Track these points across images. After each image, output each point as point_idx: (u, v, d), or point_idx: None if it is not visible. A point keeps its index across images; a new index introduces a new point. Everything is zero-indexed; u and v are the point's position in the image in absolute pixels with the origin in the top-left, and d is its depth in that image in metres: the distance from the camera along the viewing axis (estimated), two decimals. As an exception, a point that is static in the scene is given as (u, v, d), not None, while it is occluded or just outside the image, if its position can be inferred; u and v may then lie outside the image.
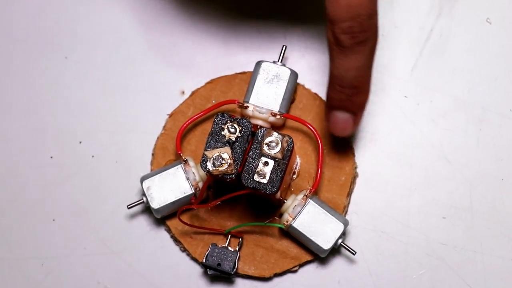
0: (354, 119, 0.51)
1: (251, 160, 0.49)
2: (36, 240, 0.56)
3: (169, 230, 0.56)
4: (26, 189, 0.57)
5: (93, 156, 0.57)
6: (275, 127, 0.55)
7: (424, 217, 0.56)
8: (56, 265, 0.56)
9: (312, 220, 0.52)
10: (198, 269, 0.56)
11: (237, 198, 0.51)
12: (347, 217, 0.55)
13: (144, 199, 0.54)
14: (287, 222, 0.53)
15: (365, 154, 0.57)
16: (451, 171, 0.56)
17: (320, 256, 0.54)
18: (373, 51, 0.49)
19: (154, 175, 0.54)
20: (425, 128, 0.57)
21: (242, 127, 0.50)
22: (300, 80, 0.56)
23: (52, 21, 0.59)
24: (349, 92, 0.49)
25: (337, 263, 0.55)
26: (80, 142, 0.58)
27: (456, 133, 0.57)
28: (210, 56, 0.58)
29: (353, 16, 0.46)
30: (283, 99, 0.54)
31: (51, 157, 0.58)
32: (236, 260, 0.53)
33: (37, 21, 0.60)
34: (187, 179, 0.53)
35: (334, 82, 0.49)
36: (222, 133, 0.50)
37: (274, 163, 0.49)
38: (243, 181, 0.49)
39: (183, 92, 0.58)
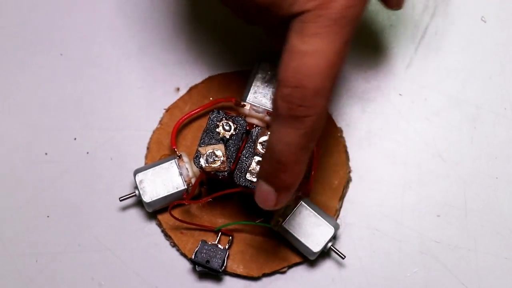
0: (277, 196, 0.45)
1: (244, 158, 0.49)
2: (30, 237, 0.56)
3: (160, 225, 0.56)
4: (21, 186, 0.57)
5: (88, 153, 0.57)
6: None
7: (418, 215, 0.56)
8: (50, 262, 0.56)
9: (303, 222, 0.52)
10: (187, 265, 0.56)
11: (229, 196, 0.52)
12: (338, 220, 0.55)
13: (137, 192, 0.54)
14: (278, 222, 0.53)
15: (359, 152, 0.57)
16: (445, 169, 0.56)
17: (309, 259, 0.54)
18: (313, 133, 0.43)
19: (147, 169, 0.54)
20: (419, 126, 0.57)
21: (237, 125, 0.50)
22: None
23: (46, 17, 0.59)
24: (275, 167, 0.44)
25: (327, 265, 0.55)
26: (75, 139, 0.58)
27: (450, 131, 0.57)
28: (205, 54, 0.58)
29: (297, 85, 0.41)
30: (280, 99, 0.54)
31: (46, 154, 0.58)
32: (225, 258, 0.54)
33: (32, 17, 0.60)
34: (180, 174, 0.53)
35: (266, 149, 0.45)
36: (217, 130, 0.50)
37: (267, 163, 0.49)
38: (235, 179, 0.49)
39: (178, 89, 0.58)
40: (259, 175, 0.46)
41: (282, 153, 0.43)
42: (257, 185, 0.46)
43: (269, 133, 0.43)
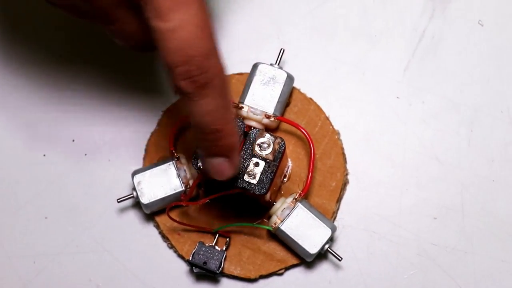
0: (229, 161, 0.47)
1: (242, 160, 0.49)
2: (28, 238, 0.57)
3: (157, 226, 0.56)
4: (19, 187, 0.57)
5: (86, 154, 0.58)
6: (268, 129, 0.55)
7: (416, 218, 0.56)
8: (48, 263, 0.56)
9: (300, 224, 0.52)
10: (184, 267, 0.56)
11: (226, 198, 0.52)
12: (336, 221, 0.56)
13: (134, 193, 0.54)
14: (275, 224, 0.53)
15: (356, 154, 0.57)
16: (442, 172, 0.57)
17: (306, 260, 0.54)
18: (224, 89, 0.45)
19: (145, 170, 0.54)
20: (417, 128, 0.57)
21: (235, 126, 0.50)
22: (296, 84, 0.57)
23: (45, 18, 0.60)
24: (212, 138, 0.46)
25: (324, 267, 0.55)
26: (73, 140, 0.58)
27: (447, 134, 0.57)
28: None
29: (187, 59, 0.43)
30: (278, 101, 0.54)
31: (44, 155, 0.58)
32: (223, 260, 0.54)
33: (31, 18, 0.60)
34: (178, 176, 0.54)
35: (195, 130, 0.47)
36: (215, 132, 0.50)
37: (265, 164, 0.49)
38: (233, 180, 0.49)
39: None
40: (204, 155, 0.48)
41: (211, 122, 0.45)
42: (207, 164, 0.48)
43: (190, 111, 0.45)
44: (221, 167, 0.48)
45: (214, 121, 0.45)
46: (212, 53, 0.44)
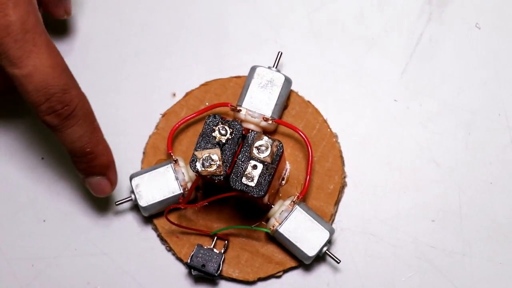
0: (107, 178, 0.53)
1: (240, 162, 0.49)
2: (26, 241, 0.56)
3: (156, 229, 0.56)
4: (17, 190, 0.57)
5: (84, 158, 0.58)
6: (266, 132, 0.55)
7: (413, 220, 0.56)
8: (46, 266, 0.56)
9: (298, 227, 0.53)
10: (183, 269, 0.56)
11: (225, 200, 0.52)
12: (334, 224, 0.56)
13: (133, 196, 0.54)
14: (273, 227, 0.53)
15: (354, 157, 0.57)
16: (440, 175, 0.57)
17: (304, 263, 0.54)
18: (87, 115, 0.50)
19: (143, 173, 0.54)
20: (414, 131, 0.57)
21: (233, 129, 0.50)
22: (293, 87, 0.57)
23: (44, 19, 0.60)
24: (86, 160, 0.51)
25: (322, 269, 0.55)
26: (72, 144, 0.58)
27: (445, 136, 0.57)
28: (201, 59, 0.59)
29: (47, 98, 0.47)
30: (275, 104, 0.54)
31: (42, 158, 0.58)
32: (221, 263, 0.54)
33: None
34: (176, 179, 0.54)
35: (70, 155, 0.51)
36: (213, 134, 0.50)
37: (263, 167, 0.49)
38: (231, 183, 0.49)
39: (174, 95, 0.58)
40: (83, 176, 0.53)
41: (83, 147, 0.50)
42: (87, 184, 0.53)
43: (61, 141, 0.50)
44: (99, 185, 0.53)
45: (84, 146, 0.50)
46: (69, 86, 0.48)
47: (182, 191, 0.53)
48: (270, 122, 0.54)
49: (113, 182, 0.53)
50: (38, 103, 0.47)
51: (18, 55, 0.46)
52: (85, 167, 0.52)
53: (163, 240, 0.56)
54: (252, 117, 0.54)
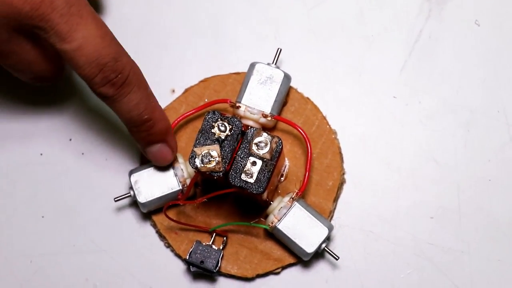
0: (168, 145, 0.52)
1: (240, 159, 0.49)
2: (25, 237, 0.56)
3: (154, 225, 0.56)
4: (16, 186, 0.57)
5: (83, 154, 0.58)
6: (266, 128, 0.55)
7: (412, 218, 0.56)
8: (44, 263, 0.56)
9: (297, 223, 0.53)
10: (181, 266, 0.56)
11: (224, 197, 0.52)
12: (333, 221, 0.56)
13: (132, 192, 0.54)
14: (272, 223, 0.53)
15: (353, 154, 0.57)
16: (439, 172, 0.57)
17: (303, 259, 0.54)
18: (141, 81, 0.50)
19: (142, 170, 0.54)
20: (413, 129, 0.57)
21: (232, 125, 0.50)
22: (293, 84, 0.57)
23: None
24: (145, 128, 0.50)
25: (321, 266, 0.55)
26: (70, 140, 0.58)
27: (444, 134, 0.57)
28: (200, 55, 0.59)
29: (100, 68, 0.47)
30: (275, 101, 0.54)
31: (41, 154, 0.58)
32: (220, 259, 0.54)
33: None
34: (175, 175, 0.54)
35: (127, 126, 0.51)
36: (212, 130, 0.50)
37: (262, 163, 0.49)
38: (230, 179, 0.49)
39: (173, 91, 0.58)
40: (142, 147, 0.52)
41: (141, 114, 0.50)
42: (148, 154, 0.52)
43: (117, 112, 0.50)
44: (161, 152, 0.52)
45: (142, 113, 0.49)
46: (120, 54, 0.48)
47: (181, 188, 0.53)
48: (269, 118, 0.54)
49: (173, 148, 0.53)
50: (92, 75, 0.47)
51: (66, 30, 0.46)
52: (144, 135, 0.51)
53: (161, 236, 0.56)
54: (251, 113, 0.54)
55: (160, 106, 0.51)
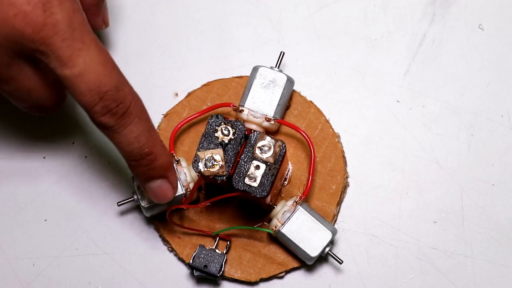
0: (168, 181, 0.50)
1: (243, 163, 0.49)
2: (28, 240, 0.56)
3: (158, 230, 0.56)
4: (19, 189, 0.57)
5: (86, 157, 0.58)
6: (269, 132, 0.55)
7: (415, 222, 0.56)
8: (47, 266, 0.56)
9: (300, 227, 0.52)
10: (185, 270, 0.56)
11: (227, 201, 0.52)
12: (336, 225, 0.56)
13: (135, 197, 0.54)
14: (275, 227, 0.53)
15: (356, 158, 0.57)
16: (442, 176, 0.57)
17: (306, 263, 0.54)
18: (143, 113, 0.47)
19: (146, 174, 0.54)
20: (417, 132, 0.57)
21: (235, 129, 0.50)
22: (296, 87, 0.57)
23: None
24: (145, 163, 0.48)
25: (324, 270, 0.55)
26: (73, 143, 0.58)
27: (447, 138, 0.57)
28: (203, 59, 0.59)
29: (100, 96, 0.45)
30: (278, 104, 0.54)
31: (44, 158, 0.58)
32: (223, 263, 0.54)
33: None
34: (179, 179, 0.53)
35: (126, 160, 0.48)
36: (216, 134, 0.50)
37: (266, 167, 0.49)
38: (234, 183, 0.49)
39: (176, 94, 0.58)
40: (141, 182, 0.50)
41: (141, 147, 0.47)
42: (147, 190, 0.50)
43: (117, 144, 0.47)
44: (161, 189, 0.50)
45: (142, 146, 0.47)
46: (121, 83, 0.46)
47: (184, 192, 0.53)
48: (272, 122, 0.54)
49: (174, 185, 0.51)
50: (92, 103, 0.45)
51: (67, 54, 0.44)
52: (144, 170, 0.48)
53: (165, 240, 0.56)
54: (254, 117, 0.54)
55: (161, 140, 0.49)
